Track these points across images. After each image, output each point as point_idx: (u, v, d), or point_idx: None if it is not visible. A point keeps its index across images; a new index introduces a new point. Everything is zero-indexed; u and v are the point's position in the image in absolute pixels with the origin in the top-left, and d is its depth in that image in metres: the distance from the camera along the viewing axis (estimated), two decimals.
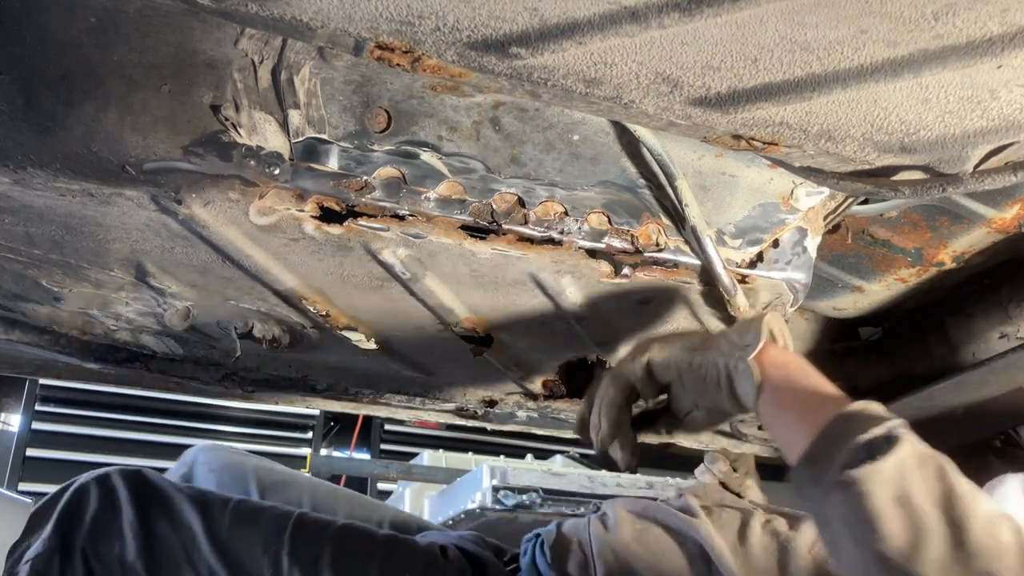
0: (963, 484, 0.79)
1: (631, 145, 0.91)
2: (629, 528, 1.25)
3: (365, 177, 0.85)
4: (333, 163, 0.85)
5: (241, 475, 1.54)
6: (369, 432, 4.46)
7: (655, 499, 1.36)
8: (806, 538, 1.17)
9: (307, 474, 1.73)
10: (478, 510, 2.78)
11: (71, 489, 1.23)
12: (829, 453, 0.82)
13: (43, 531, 1.19)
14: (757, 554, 1.16)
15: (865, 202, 1.19)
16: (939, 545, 0.75)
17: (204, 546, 1.21)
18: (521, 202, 0.89)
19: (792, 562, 1.15)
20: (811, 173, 0.84)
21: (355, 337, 1.14)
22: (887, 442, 0.80)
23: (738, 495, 1.36)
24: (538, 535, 1.34)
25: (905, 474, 0.78)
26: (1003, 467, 1.90)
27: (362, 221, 0.87)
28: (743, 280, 0.98)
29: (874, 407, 0.85)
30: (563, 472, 3.08)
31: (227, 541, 1.21)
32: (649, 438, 1.14)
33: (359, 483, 4.06)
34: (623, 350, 1.17)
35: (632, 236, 0.93)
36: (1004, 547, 0.74)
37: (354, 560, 1.23)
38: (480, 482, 2.85)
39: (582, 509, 2.90)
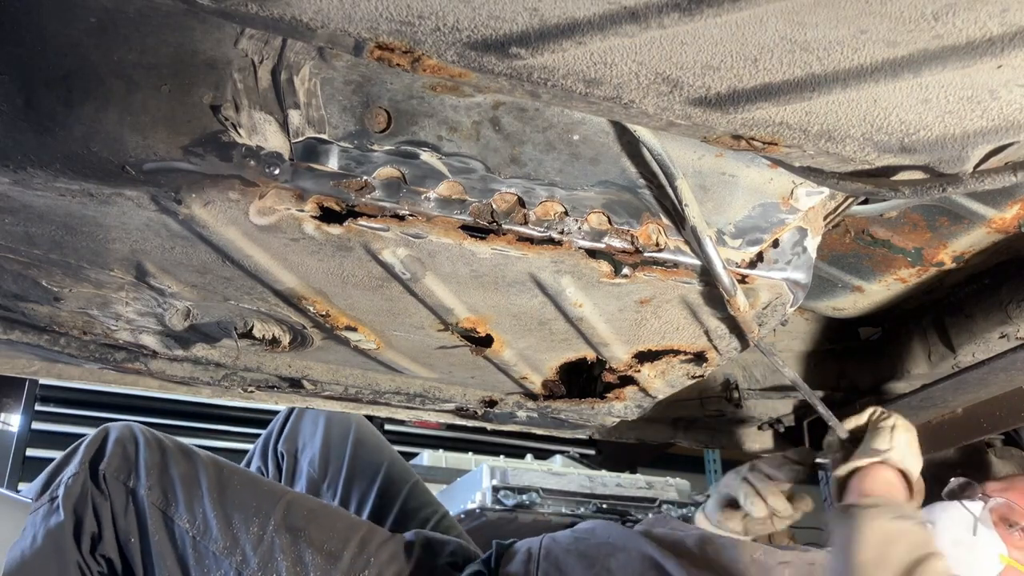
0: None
1: (631, 145, 0.91)
2: (574, 543, 1.39)
3: (365, 177, 0.85)
4: (333, 163, 0.85)
5: (346, 425, 1.84)
6: None
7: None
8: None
9: (395, 450, 1.95)
10: (478, 510, 2.78)
11: (97, 431, 1.53)
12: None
13: (75, 458, 1.46)
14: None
15: (865, 202, 1.19)
16: None
17: (205, 495, 1.43)
18: (521, 202, 0.89)
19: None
20: (811, 173, 0.84)
21: (355, 337, 1.14)
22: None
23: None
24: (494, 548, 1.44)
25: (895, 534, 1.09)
26: (1003, 467, 1.90)
27: (362, 221, 0.87)
28: (743, 280, 0.98)
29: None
30: (563, 472, 3.09)
31: (226, 497, 1.44)
32: None
33: None
34: (622, 350, 1.17)
35: (632, 236, 0.93)
36: None
37: (333, 539, 1.42)
38: (480, 482, 2.86)
39: (582, 509, 2.90)
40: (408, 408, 1.49)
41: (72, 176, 0.84)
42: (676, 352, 1.18)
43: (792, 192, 0.97)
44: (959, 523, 1.49)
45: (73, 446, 1.50)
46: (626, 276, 0.95)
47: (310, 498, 1.53)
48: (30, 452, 3.66)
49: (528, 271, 0.95)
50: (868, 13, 0.59)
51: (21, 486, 3.53)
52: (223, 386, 1.35)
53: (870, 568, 1.05)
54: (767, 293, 1.01)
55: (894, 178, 0.80)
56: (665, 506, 3.01)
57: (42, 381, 3.67)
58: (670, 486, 3.16)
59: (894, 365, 1.67)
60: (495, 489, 2.81)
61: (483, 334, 1.11)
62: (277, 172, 0.83)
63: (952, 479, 1.60)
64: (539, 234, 0.90)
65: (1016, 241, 1.34)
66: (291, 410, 1.93)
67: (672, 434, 1.94)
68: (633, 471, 3.83)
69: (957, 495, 1.56)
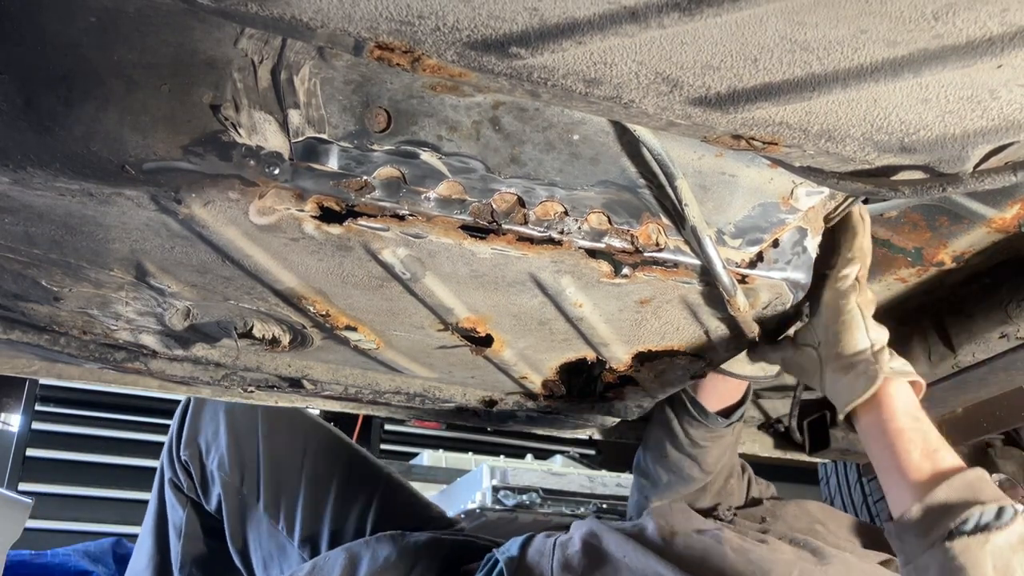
0: None
1: (631, 145, 0.91)
2: (589, 567, 1.26)
3: (365, 177, 0.85)
4: (333, 163, 0.85)
5: (251, 414, 1.75)
6: (369, 432, 4.45)
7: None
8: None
9: (316, 422, 1.82)
10: (478, 510, 2.79)
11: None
12: (937, 517, 0.85)
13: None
14: None
15: (865, 202, 1.19)
16: None
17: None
18: (521, 202, 0.89)
19: None
20: (811, 173, 0.84)
21: (355, 337, 1.14)
22: (997, 517, 0.83)
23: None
24: (496, 561, 1.34)
25: (1011, 552, 0.80)
26: (1003, 467, 1.90)
27: (362, 221, 0.87)
28: (743, 280, 0.98)
29: (987, 480, 0.88)
30: (563, 472, 3.09)
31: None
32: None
33: None
34: (622, 350, 1.17)
35: (632, 236, 0.93)
36: None
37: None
38: (480, 482, 2.86)
39: (582, 509, 2.90)
40: (408, 408, 1.49)
41: (72, 176, 0.84)
42: (676, 352, 1.18)
43: (792, 192, 0.97)
44: None
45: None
46: (626, 276, 0.95)
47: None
48: (30, 452, 3.67)
49: (528, 271, 0.95)
50: (868, 13, 0.59)
51: (21, 486, 3.53)
52: (223, 386, 1.35)
53: None
54: (767, 293, 1.01)
55: (894, 178, 0.80)
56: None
57: (42, 381, 3.68)
58: None
59: None
60: (495, 489, 2.81)
61: (483, 334, 1.11)
62: (277, 172, 0.83)
63: (993, 475, 1.51)
64: (539, 234, 0.90)
65: (1016, 241, 1.34)
66: (186, 408, 1.76)
67: None
68: None
69: None
